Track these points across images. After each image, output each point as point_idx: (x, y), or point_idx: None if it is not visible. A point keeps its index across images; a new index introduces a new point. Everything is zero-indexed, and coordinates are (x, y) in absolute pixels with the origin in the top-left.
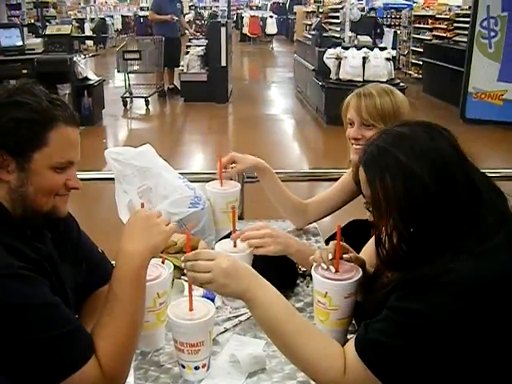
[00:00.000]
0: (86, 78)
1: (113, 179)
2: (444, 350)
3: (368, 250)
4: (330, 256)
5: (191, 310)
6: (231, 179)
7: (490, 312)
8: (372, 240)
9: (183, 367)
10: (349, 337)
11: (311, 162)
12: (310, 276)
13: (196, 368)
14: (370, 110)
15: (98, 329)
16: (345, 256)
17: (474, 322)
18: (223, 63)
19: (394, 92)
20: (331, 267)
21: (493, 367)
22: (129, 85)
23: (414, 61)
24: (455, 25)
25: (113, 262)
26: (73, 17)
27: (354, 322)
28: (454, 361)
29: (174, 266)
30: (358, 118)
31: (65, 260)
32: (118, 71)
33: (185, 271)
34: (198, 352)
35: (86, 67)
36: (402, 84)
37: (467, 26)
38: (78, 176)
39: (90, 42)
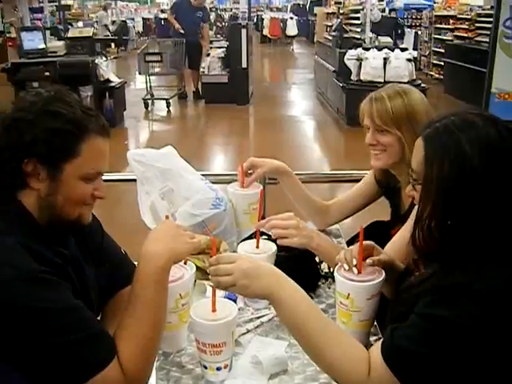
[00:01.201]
0: (108, 80)
1: (135, 180)
2: (471, 360)
3: (396, 245)
4: (354, 261)
5: (214, 310)
6: None
7: None
8: (399, 233)
9: (205, 368)
10: (371, 339)
11: (332, 163)
12: (333, 277)
13: (218, 369)
14: (381, 115)
15: (120, 331)
16: (368, 261)
17: (502, 333)
18: (244, 65)
19: (408, 92)
20: (354, 268)
21: None
22: (150, 87)
23: (435, 61)
24: (477, 25)
25: (136, 263)
26: (94, 19)
27: (375, 323)
28: (480, 371)
29: (197, 267)
30: (371, 124)
31: (88, 262)
32: (140, 73)
33: (209, 277)
34: (220, 353)
35: (107, 69)
36: (423, 85)
37: (489, 26)
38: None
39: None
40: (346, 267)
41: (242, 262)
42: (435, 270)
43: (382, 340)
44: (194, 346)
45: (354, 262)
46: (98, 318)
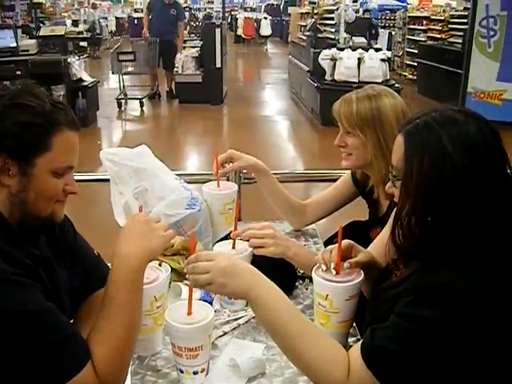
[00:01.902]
0: (81, 80)
1: (108, 180)
2: (453, 360)
3: (378, 245)
4: (333, 264)
5: (190, 313)
6: (228, 178)
7: (504, 323)
8: (382, 234)
9: (181, 372)
10: (350, 340)
11: (307, 163)
12: (310, 278)
13: (195, 373)
14: (347, 117)
15: (94, 334)
16: (345, 265)
17: (486, 332)
18: (218, 64)
19: (378, 96)
20: (332, 269)
21: (504, 378)
22: (123, 86)
23: (408, 62)
24: (450, 26)
25: (109, 265)
26: (66, 19)
27: (354, 324)
28: (462, 371)
29: (171, 268)
30: (340, 125)
31: (60, 263)
32: (113, 72)
33: (187, 275)
34: (196, 356)
35: (80, 68)
36: (397, 85)
37: (462, 27)
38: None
39: (83, 44)
40: (324, 268)
41: (220, 260)
42: (416, 269)
43: (361, 341)
44: (170, 349)
45: (333, 264)
46: (71, 321)
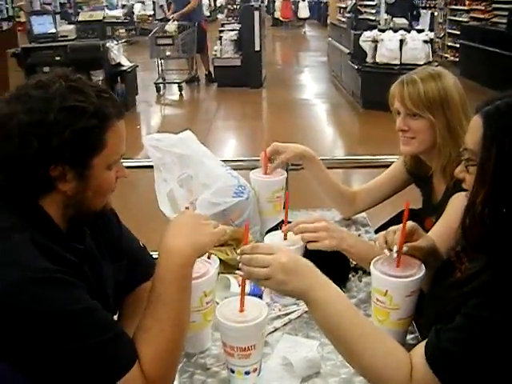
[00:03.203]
0: (119, 64)
1: (150, 167)
2: None
3: (436, 234)
4: (395, 248)
5: (242, 310)
6: None
7: None
8: (441, 223)
9: (232, 372)
10: (408, 337)
11: (348, 147)
12: (363, 269)
13: (246, 373)
14: (413, 99)
15: (141, 333)
16: (404, 248)
17: None
18: (257, 48)
19: (442, 75)
20: (392, 261)
21: None
22: (162, 70)
23: (449, 43)
24: (494, 6)
25: (155, 256)
26: (104, 3)
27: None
28: None
29: (220, 259)
30: (402, 108)
31: (105, 257)
32: (151, 57)
33: (240, 265)
34: (249, 356)
35: (118, 53)
36: (440, 67)
37: (507, 6)
38: None
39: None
40: (387, 252)
41: (281, 255)
42: (483, 266)
43: (425, 341)
44: (219, 346)
45: (395, 248)
46: (116, 316)
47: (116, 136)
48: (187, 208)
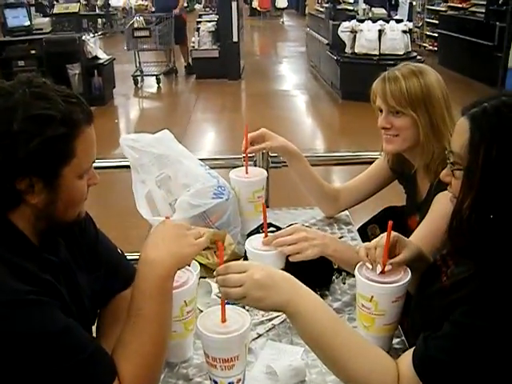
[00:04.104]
0: (96, 57)
1: (128, 167)
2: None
3: (421, 234)
4: (379, 265)
5: (224, 321)
6: (255, 163)
7: None
8: (426, 223)
9: (215, 383)
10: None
11: (328, 138)
12: (347, 272)
13: None
14: (395, 96)
15: (121, 348)
16: (387, 267)
17: None
18: (235, 39)
19: (424, 72)
20: (378, 267)
21: None
22: (139, 63)
23: (428, 33)
24: None
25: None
26: None
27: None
28: None
29: (200, 264)
30: (384, 106)
31: (81, 267)
32: (128, 49)
33: (217, 287)
34: (232, 367)
35: (95, 46)
36: (419, 57)
37: None
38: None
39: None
40: (369, 266)
41: (253, 272)
42: (470, 273)
43: (412, 349)
44: (201, 355)
45: (379, 265)
46: (94, 325)
47: (86, 143)
48: (167, 218)
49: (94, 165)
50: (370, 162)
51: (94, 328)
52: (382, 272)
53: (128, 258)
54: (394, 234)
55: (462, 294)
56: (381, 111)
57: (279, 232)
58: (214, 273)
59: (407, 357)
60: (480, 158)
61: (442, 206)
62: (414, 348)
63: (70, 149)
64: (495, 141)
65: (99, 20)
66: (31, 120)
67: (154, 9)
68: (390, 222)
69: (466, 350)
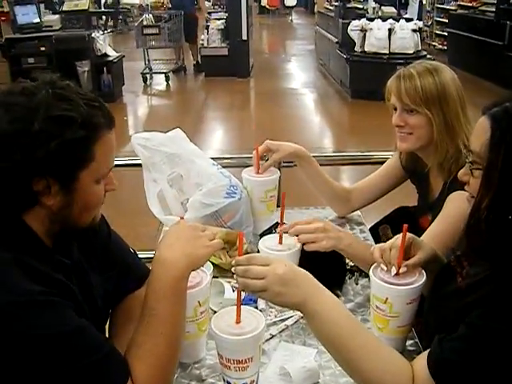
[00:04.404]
0: (105, 55)
1: (138, 165)
2: None
3: (433, 233)
4: (393, 267)
5: (238, 322)
6: (267, 161)
7: None
8: (439, 223)
9: None
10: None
11: (337, 137)
12: (360, 271)
13: None
14: (410, 94)
15: (134, 348)
16: (401, 269)
17: None
18: (244, 37)
19: (439, 70)
20: (393, 268)
21: None
22: (148, 60)
23: (437, 32)
24: None
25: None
26: None
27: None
28: None
29: (213, 264)
30: (399, 104)
31: (93, 267)
32: (138, 47)
33: (235, 277)
34: (246, 369)
35: (104, 43)
36: (429, 56)
37: None
38: None
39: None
40: (384, 268)
41: (277, 266)
42: (486, 274)
43: (427, 351)
44: (214, 355)
45: (393, 267)
46: (107, 325)
47: (105, 148)
48: (182, 218)
49: None
50: (381, 162)
51: (106, 327)
52: (397, 274)
53: (139, 256)
54: (409, 235)
55: (478, 296)
56: (395, 109)
57: (297, 221)
58: (233, 262)
59: (422, 359)
60: (500, 158)
61: (455, 205)
62: (428, 350)
63: (89, 152)
64: None
65: (109, 17)
66: (52, 121)
67: (170, 5)
68: (405, 226)
69: (481, 352)
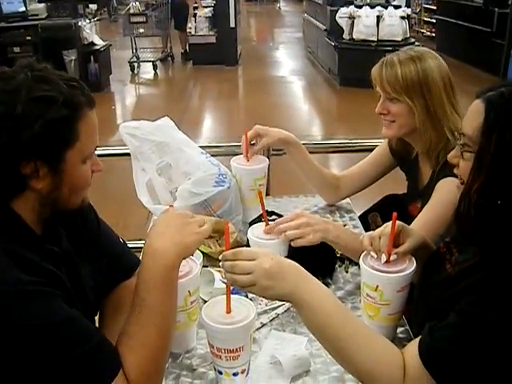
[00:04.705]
0: (92, 43)
1: (126, 154)
2: None
3: (422, 220)
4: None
5: (229, 312)
6: None
7: None
8: (428, 210)
9: (220, 373)
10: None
11: (325, 125)
12: (349, 259)
13: (235, 374)
14: (390, 82)
15: (125, 339)
16: (392, 257)
17: None
18: (232, 24)
19: (423, 57)
20: (383, 256)
21: None
22: (136, 49)
23: (426, 19)
24: None
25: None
26: None
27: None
28: None
29: (202, 253)
30: (381, 91)
31: (83, 257)
32: (124, 35)
33: (223, 272)
34: (237, 358)
35: (91, 32)
36: (417, 43)
37: None
38: None
39: (93, 6)
40: (374, 255)
41: (263, 260)
42: (476, 261)
43: (418, 339)
44: (205, 345)
45: (383, 255)
46: (97, 316)
47: (88, 127)
48: (171, 206)
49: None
50: (369, 150)
51: (96, 318)
52: (387, 261)
53: (128, 246)
54: (398, 223)
55: (468, 283)
56: (380, 97)
57: (280, 219)
58: (220, 257)
59: (413, 347)
60: (493, 142)
61: (444, 192)
62: (419, 338)
63: (73, 132)
64: (510, 126)
65: (94, 5)
66: (34, 102)
67: None
68: (395, 214)
69: (473, 339)
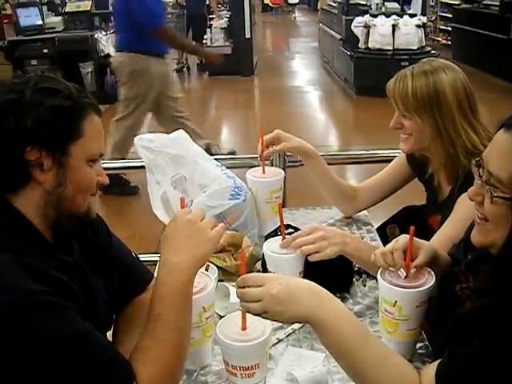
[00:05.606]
0: (109, 55)
1: (142, 167)
2: None
3: (442, 237)
4: (397, 257)
5: (244, 328)
6: (272, 163)
7: None
8: (448, 228)
9: None
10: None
11: (342, 135)
12: (367, 273)
13: None
14: (402, 100)
15: (139, 353)
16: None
17: None
18: (247, 35)
19: (435, 71)
20: (401, 271)
21: None
22: None
23: (441, 27)
24: None
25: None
26: None
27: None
28: None
29: (217, 267)
30: (395, 106)
31: (95, 270)
32: None
33: (237, 294)
34: (252, 375)
35: (107, 44)
36: (433, 51)
37: None
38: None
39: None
40: (392, 270)
41: (270, 286)
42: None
43: (436, 362)
44: (220, 361)
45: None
46: (110, 331)
47: (93, 128)
48: (182, 200)
49: (106, 165)
50: (387, 161)
51: (109, 333)
52: (407, 276)
53: (144, 259)
54: (405, 237)
55: (489, 308)
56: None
57: (297, 233)
58: (234, 283)
59: (430, 370)
60: None
61: (465, 208)
62: (438, 361)
63: (77, 127)
64: None
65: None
66: (41, 91)
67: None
68: (412, 228)
69: (492, 370)
